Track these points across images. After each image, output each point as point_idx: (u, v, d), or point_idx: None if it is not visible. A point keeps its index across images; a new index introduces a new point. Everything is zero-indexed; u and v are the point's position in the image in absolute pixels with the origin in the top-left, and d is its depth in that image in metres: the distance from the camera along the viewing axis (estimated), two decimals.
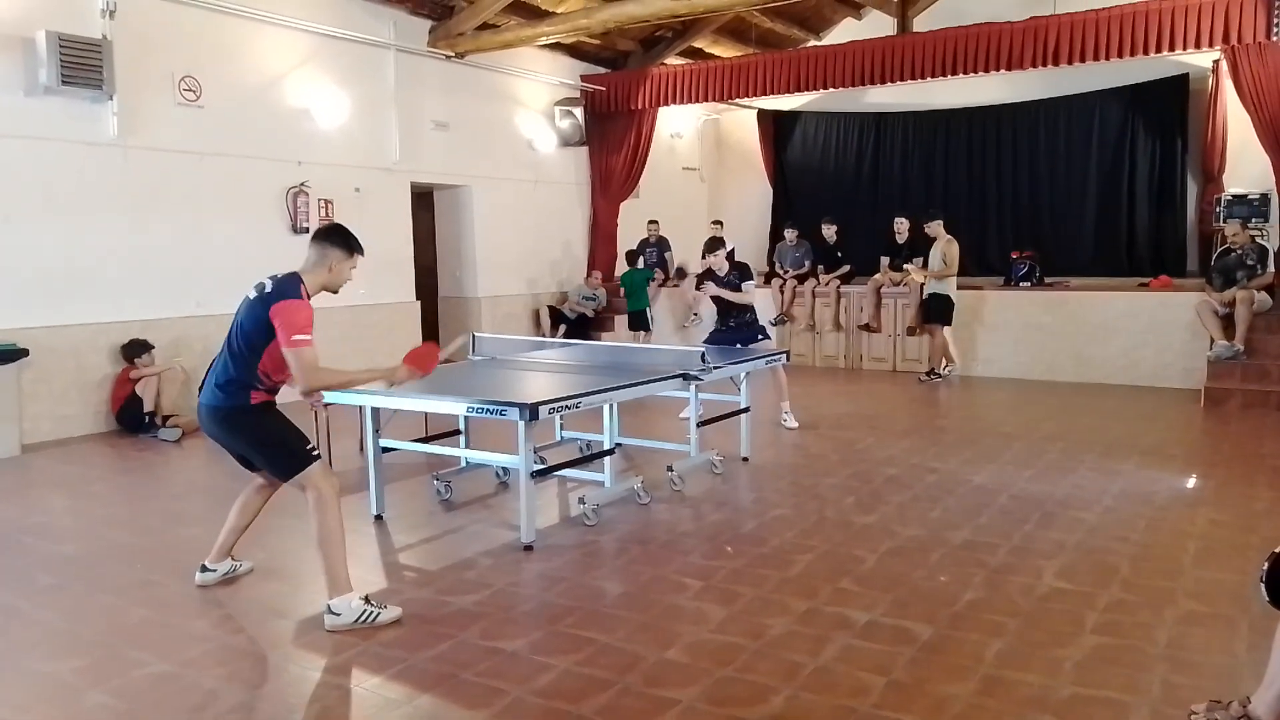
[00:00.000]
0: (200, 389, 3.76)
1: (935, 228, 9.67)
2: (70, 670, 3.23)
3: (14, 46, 6.88)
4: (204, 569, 4.01)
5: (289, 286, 3.54)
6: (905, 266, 10.13)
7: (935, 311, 9.68)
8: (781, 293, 11.04)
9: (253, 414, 3.62)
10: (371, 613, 3.54)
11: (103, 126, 7.40)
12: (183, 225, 7.90)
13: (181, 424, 7.32)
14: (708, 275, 7.11)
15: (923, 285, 9.88)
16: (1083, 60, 9.13)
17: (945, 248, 9.65)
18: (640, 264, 11.83)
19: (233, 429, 3.66)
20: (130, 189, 7.62)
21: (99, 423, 7.45)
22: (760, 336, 7.23)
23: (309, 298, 3.58)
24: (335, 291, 3.72)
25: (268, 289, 3.55)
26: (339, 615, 3.51)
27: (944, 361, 9.86)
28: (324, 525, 3.57)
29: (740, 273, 7.12)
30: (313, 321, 3.52)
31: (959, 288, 9.67)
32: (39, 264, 7.07)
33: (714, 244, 7.14)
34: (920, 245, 10.61)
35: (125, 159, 7.57)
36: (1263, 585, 2.09)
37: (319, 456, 3.67)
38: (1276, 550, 2.02)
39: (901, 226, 10.41)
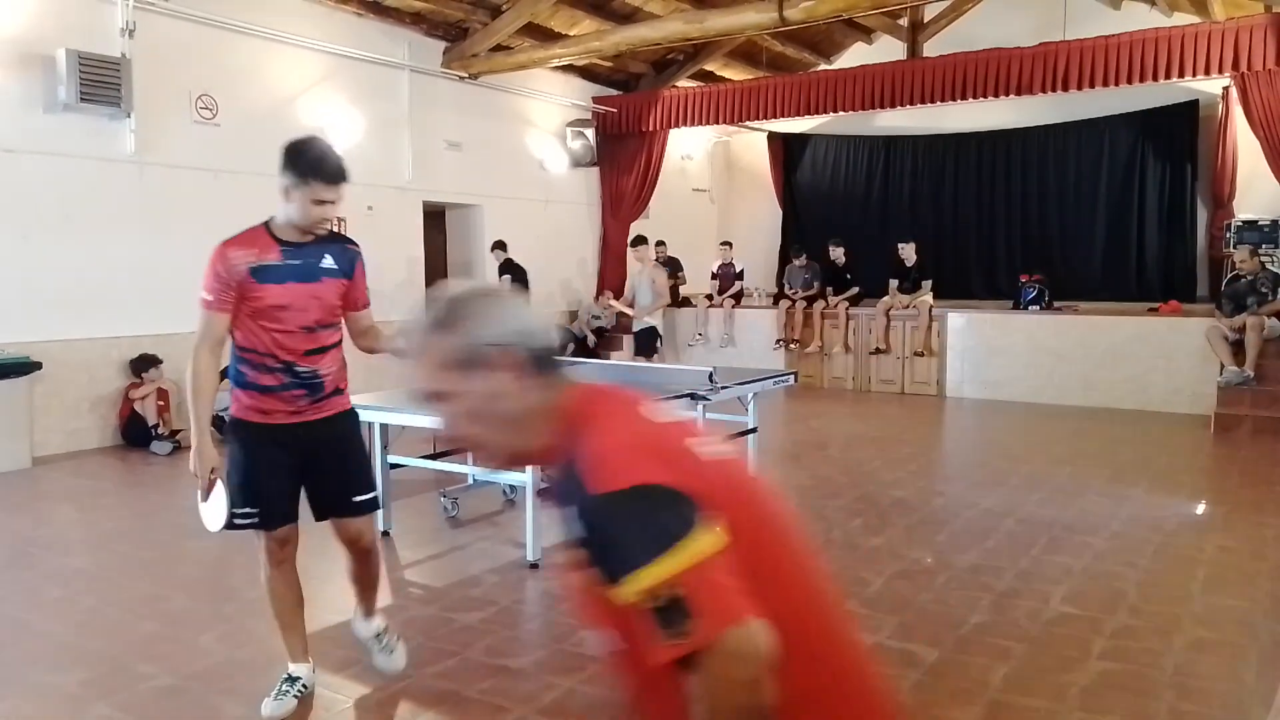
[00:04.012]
0: None
1: (643, 252, 9.21)
2: (77, 682, 3.24)
3: (34, 64, 6.98)
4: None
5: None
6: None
7: (643, 345, 9.32)
8: (790, 314, 11.06)
9: (226, 431, 3.01)
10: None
11: (120, 143, 7.50)
12: (197, 241, 7.84)
13: (183, 439, 7.39)
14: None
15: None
16: (1093, 86, 9.16)
17: (653, 273, 9.13)
18: None
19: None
20: (146, 205, 7.70)
21: (110, 436, 7.50)
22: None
23: (274, 239, 2.88)
24: (307, 230, 2.89)
25: None
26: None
27: None
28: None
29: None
30: (220, 276, 2.82)
31: (966, 308, 9.66)
32: (55, 278, 7.14)
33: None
34: (929, 269, 10.64)
35: (142, 176, 7.65)
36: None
37: (243, 525, 2.92)
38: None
39: (907, 251, 10.44)
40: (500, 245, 10.46)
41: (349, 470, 3.08)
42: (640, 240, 9.44)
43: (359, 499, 3.08)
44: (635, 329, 9.65)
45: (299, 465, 2.98)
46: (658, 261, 9.62)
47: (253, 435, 2.94)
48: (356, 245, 3.12)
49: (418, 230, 10.16)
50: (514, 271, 10.17)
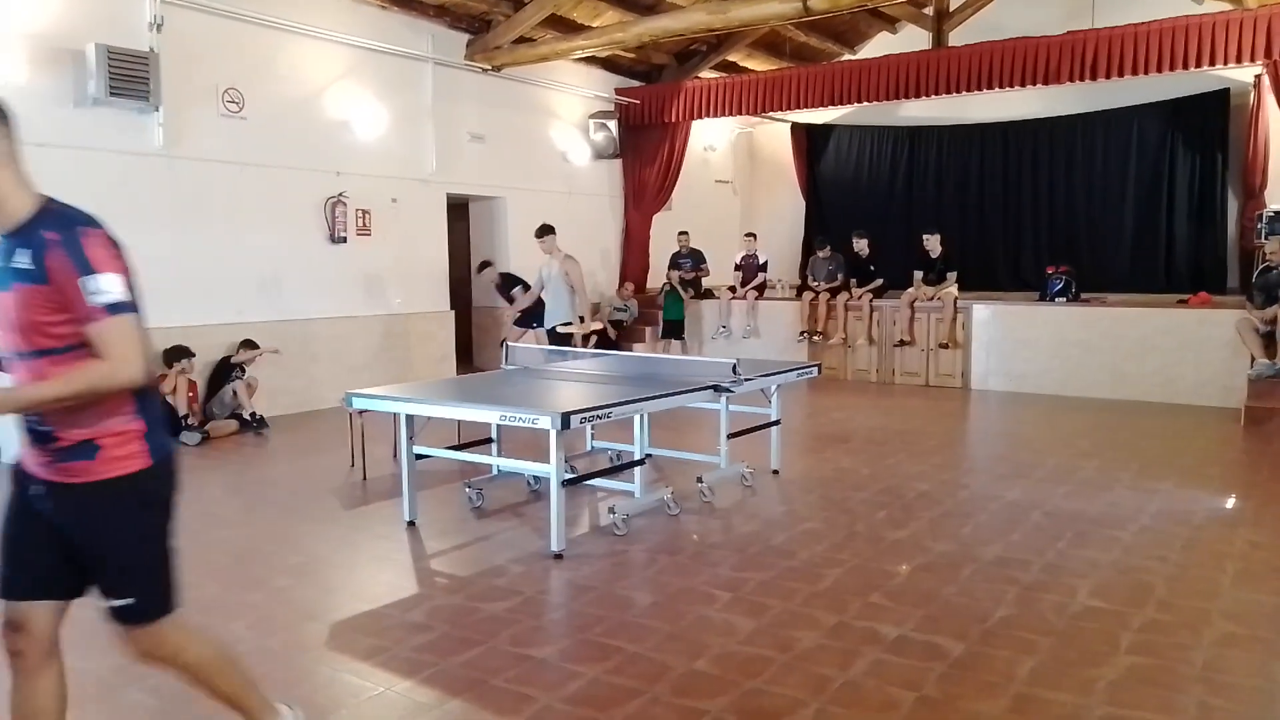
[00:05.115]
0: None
1: (549, 243, 8.25)
2: (109, 668, 3.30)
3: (64, 59, 7.07)
4: None
5: None
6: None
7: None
8: (813, 306, 11.02)
9: None
10: None
11: (149, 137, 7.57)
12: (224, 234, 8.04)
13: (211, 429, 7.51)
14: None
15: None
16: (1121, 75, 9.04)
17: (566, 266, 8.08)
18: (674, 277, 11.92)
19: None
20: (175, 198, 7.77)
21: None
22: None
23: None
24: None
25: None
26: None
27: None
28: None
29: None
30: None
31: (982, 300, 9.56)
32: None
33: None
34: (954, 260, 10.55)
35: (170, 169, 7.73)
36: None
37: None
38: None
39: (932, 242, 10.36)
40: (487, 263, 10.52)
41: (97, 562, 2.21)
42: (546, 230, 8.31)
43: (114, 604, 2.22)
44: (566, 331, 8.36)
45: (60, 533, 2.18)
46: (569, 256, 8.34)
47: (18, 479, 2.22)
48: (60, 231, 1.98)
49: (441, 222, 10.21)
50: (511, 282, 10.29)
